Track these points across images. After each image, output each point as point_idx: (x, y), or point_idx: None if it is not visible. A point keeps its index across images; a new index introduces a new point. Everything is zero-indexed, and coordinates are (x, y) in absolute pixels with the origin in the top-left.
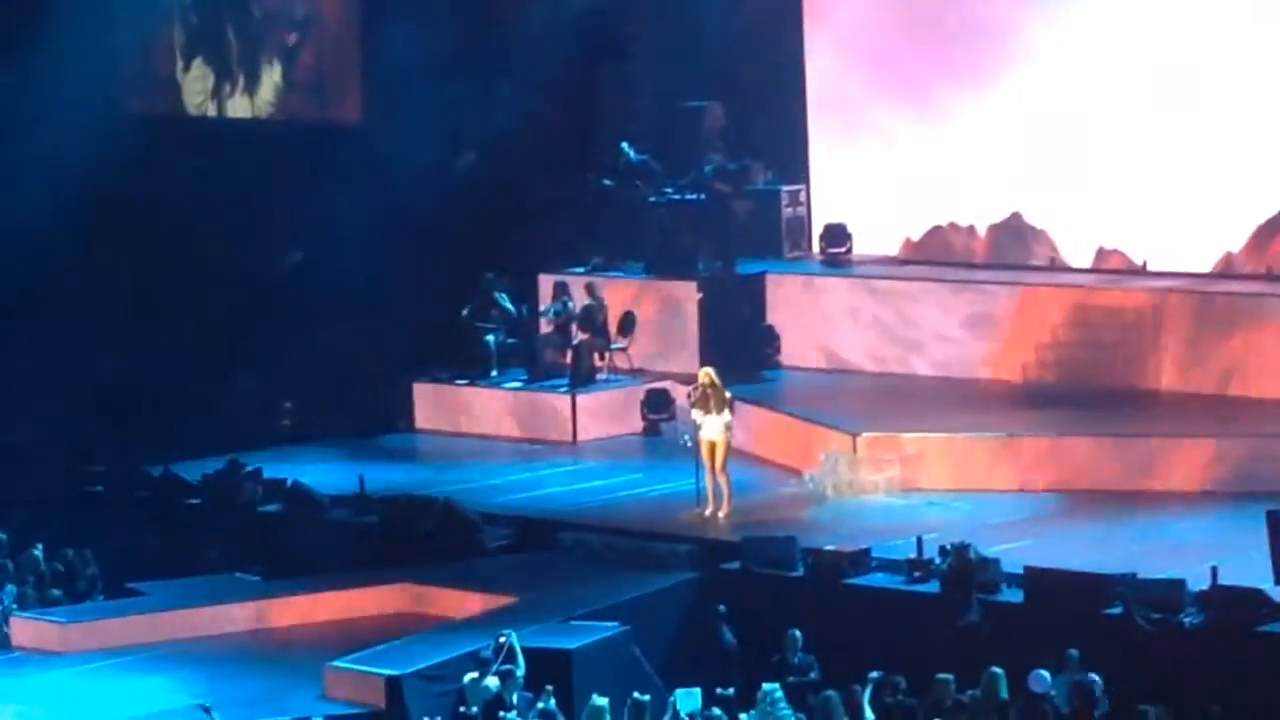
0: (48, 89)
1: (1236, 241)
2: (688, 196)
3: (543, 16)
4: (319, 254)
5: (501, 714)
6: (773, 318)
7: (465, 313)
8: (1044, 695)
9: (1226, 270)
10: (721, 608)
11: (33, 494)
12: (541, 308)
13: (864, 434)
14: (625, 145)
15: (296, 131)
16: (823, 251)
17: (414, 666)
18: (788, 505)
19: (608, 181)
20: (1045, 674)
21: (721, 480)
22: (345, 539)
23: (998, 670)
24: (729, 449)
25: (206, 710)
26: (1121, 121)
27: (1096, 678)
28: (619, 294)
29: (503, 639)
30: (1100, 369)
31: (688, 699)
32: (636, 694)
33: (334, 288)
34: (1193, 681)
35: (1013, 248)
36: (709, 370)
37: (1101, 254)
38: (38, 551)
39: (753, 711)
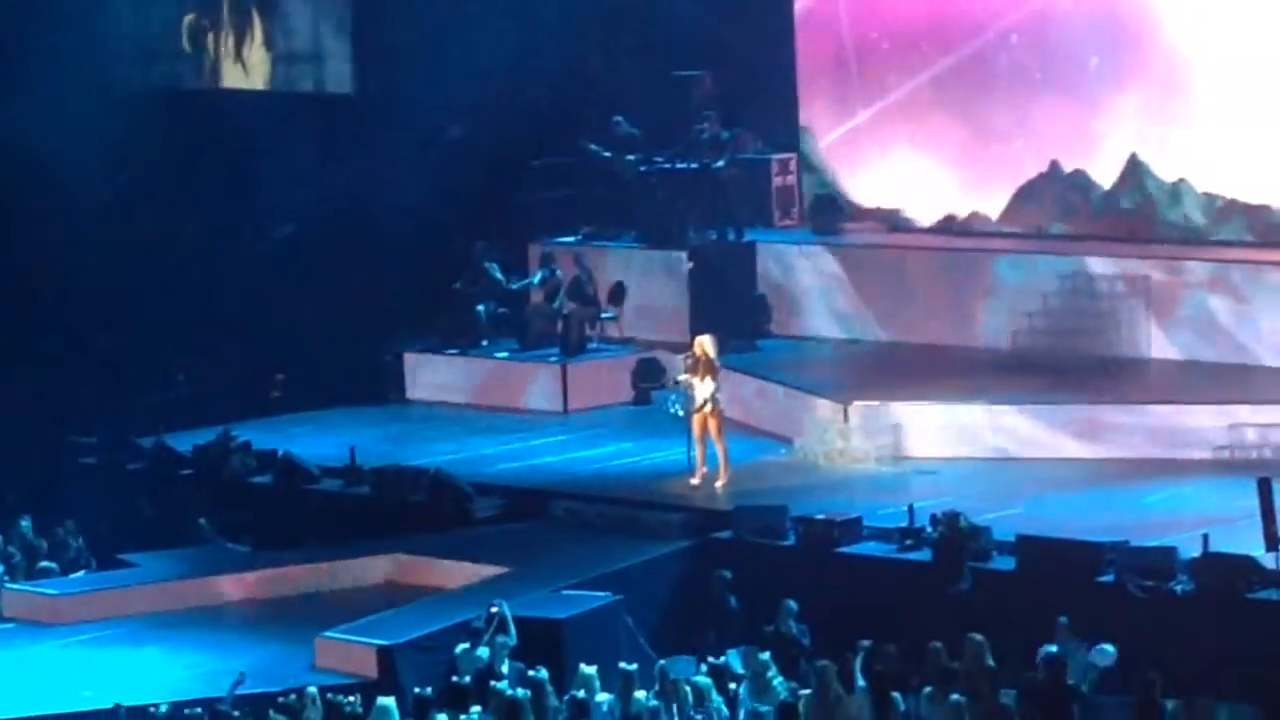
0: (40, 61)
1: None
2: (679, 166)
3: None
4: (310, 225)
5: (493, 684)
6: (764, 286)
7: (457, 284)
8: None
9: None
10: (726, 574)
11: (23, 465)
12: (527, 278)
13: (855, 402)
14: (618, 118)
15: (287, 101)
16: (813, 220)
17: (406, 637)
18: (779, 474)
19: (603, 151)
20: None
21: (719, 449)
22: (336, 510)
23: (978, 636)
24: (721, 418)
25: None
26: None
27: (1110, 648)
28: (610, 263)
29: (494, 609)
30: (1091, 336)
31: (676, 667)
32: (624, 664)
33: (324, 259)
34: (1183, 648)
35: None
36: (704, 339)
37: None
38: (26, 523)
39: (745, 681)
